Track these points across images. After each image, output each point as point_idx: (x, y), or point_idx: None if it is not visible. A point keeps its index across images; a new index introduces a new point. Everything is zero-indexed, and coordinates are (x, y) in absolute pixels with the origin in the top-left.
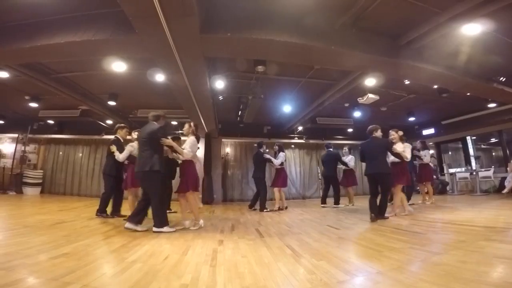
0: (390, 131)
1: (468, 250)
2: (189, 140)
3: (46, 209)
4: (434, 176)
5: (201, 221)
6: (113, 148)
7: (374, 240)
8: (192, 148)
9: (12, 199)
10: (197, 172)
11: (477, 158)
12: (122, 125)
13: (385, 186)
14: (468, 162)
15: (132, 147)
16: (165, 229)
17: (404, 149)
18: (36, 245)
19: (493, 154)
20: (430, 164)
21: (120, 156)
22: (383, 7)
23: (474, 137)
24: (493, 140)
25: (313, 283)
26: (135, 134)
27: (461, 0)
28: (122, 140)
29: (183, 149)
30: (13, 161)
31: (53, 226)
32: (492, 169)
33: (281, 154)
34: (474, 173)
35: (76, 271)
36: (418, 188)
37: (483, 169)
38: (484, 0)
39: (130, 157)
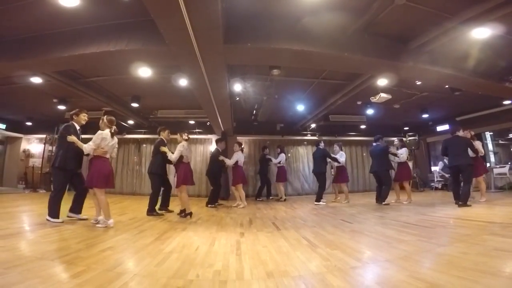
0: (465, 131)
1: (471, 243)
2: (96, 134)
3: None
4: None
5: (111, 221)
6: (165, 148)
7: (384, 233)
8: (95, 142)
9: (43, 197)
10: (107, 169)
11: (495, 153)
12: (164, 127)
13: (467, 175)
14: (484, 158)
15: (182, 147)
16: (52, 220)
17: (478, 146)
18: (81, 240)
19: None
20: (408, 162)
21: (173, 156)
22: (395, 13)
23: (491, 133)
24: (511, 135)
25: (329, 268)
26: (185, 135)
27: (471, 5)
28: (165, 141)
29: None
30: (42, 161)
31: (89, 221)
32: (507, 166)
33: (282, 155)
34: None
35: (124, 262)
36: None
37: (498, 166)
38: (495, 5)
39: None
